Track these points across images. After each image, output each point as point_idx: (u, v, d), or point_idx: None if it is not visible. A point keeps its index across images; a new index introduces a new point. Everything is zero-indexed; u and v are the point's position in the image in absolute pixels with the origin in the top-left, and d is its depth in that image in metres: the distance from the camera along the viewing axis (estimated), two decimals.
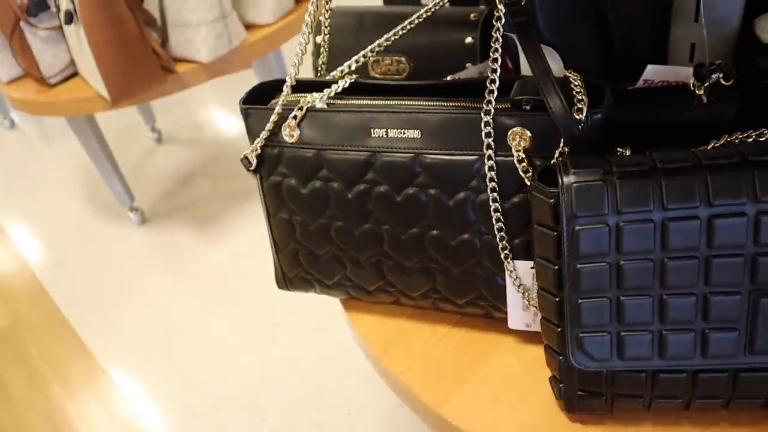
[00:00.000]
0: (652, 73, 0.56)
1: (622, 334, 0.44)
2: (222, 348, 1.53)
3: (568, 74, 0.50)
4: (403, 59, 0.78)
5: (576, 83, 0.49)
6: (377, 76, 0.79)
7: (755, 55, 0.62)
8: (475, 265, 0.54)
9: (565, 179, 0.42)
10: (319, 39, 0.77)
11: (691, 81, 0.56)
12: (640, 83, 0.58)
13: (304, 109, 0.57)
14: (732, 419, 0.49)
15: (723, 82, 0.56)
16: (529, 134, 0.48)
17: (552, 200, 0.43)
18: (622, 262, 0.42)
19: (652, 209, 0.41)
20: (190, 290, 1.71)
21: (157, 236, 1.93)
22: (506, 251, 0.51)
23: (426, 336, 0.61)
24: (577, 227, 0.41)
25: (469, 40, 0.75)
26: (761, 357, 0.44)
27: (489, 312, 0.58)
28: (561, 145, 0.47)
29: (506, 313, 0.56)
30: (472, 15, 0.74)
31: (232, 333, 1.56)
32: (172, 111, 2.52)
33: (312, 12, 0.59)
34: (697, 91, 0.56)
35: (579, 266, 0.42)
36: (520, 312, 0.54)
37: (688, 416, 0.50)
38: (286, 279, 0.66)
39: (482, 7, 0.77)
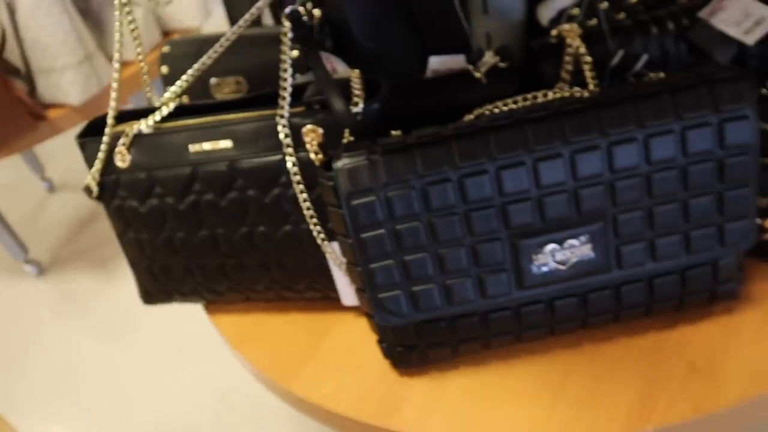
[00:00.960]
0: (435, 63, 0.64)
1: (413, 289, 0.51)
2: (131, 383, 1.53)
3: (351, 74, 0.58)
4: (241, 79, 0.84)
5: (356, 81, 0.56)
6: (220, 97, 0.84)
7: (533, 38, 0.72)
8: (301, 253, 0.61)
9: (338, 163, 0.49)
10: (164, 69, 0.82)
11: (470, 66, 0.65)
12: (429, 74, 0.66)
13: (131, 135, 0.62)
14: (529, 349, 0.58)
15: (501, 64, 0.66)
16: (320, 131, 0.55)
17: (331, 182, 0.50)
18: (397, 227, 0.49)
19: (411, 179, 0.48)
20: (95, 332, 1.70)
21: (58, 284, 1.89)
22: (321, 235, 0.58)
23: (278, 324, 0.67)
24: (353, 202, 0.48)
25: (295, 53, 0.82)
26: (531, 291, 0.52)
27: (327, 294, 0.64)
28: (346, 135, 0.54)
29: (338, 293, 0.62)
30: None
31: (140, 367, 1.57)
32: (60, 158, 2.47)
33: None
34: (476, 75, 0.65)
35: (363, 236, 0.49)
36: (348, 289, 0.61)
37: (493, 354, 0.58)
38: (148, 294, 0.70)
39: None
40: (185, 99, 0.69)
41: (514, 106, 0.56)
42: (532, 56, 0.69)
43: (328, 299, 0.65)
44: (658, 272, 0.53)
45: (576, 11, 0.73)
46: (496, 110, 0.56)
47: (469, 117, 0.55)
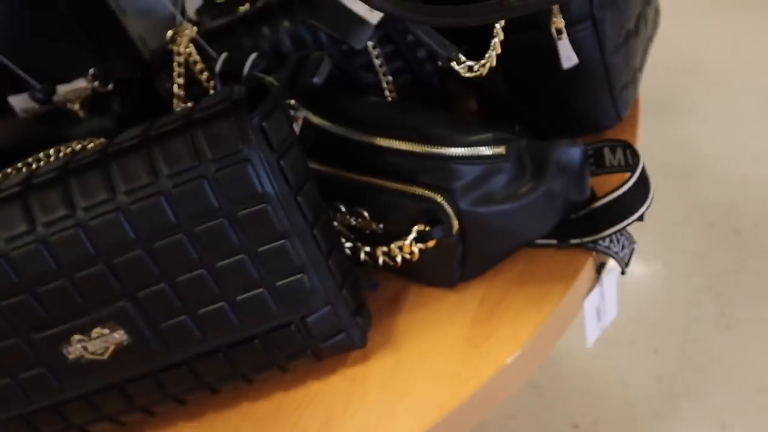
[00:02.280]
0: (17, 102, 0.54)
1: None
2: None
3: None
4: None
5: None
6: None
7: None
8: None
9: None
10: None
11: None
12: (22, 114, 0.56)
13: None
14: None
15: (100, 89, 0.55)
16: None
17: None
18: None
19: None
20: None
21: None
22: None
23: None
24: None
25: None
26: (81, 383, 0.44)
27: None
28: None
29: None
30: None
31: None
32: None
33: None
34: (74, 107, 0.54)
35: None
36: None
37: None
38: None
39: None
40: None
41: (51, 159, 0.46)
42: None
43: None
44: (237, 341, 0.44)
45: None
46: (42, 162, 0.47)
47: None
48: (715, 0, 1.58)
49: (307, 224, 0.41)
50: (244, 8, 0.60)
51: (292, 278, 0.41)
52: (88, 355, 0.43)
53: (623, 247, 0.51)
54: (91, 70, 0.54)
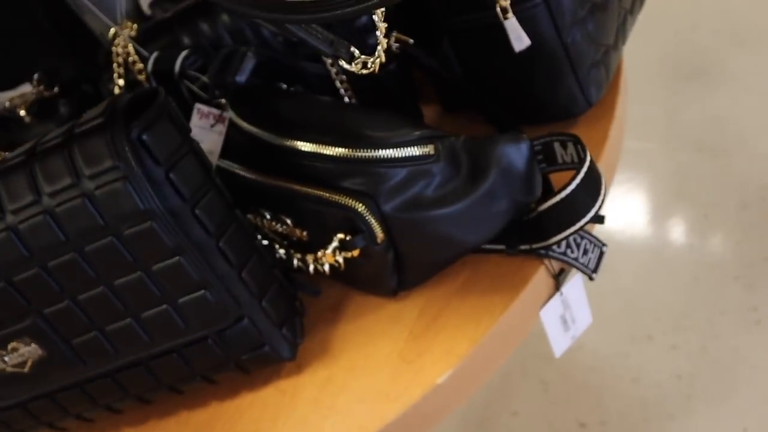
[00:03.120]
0: None
1: None
2: None
3: None
4: None
5: None
6: None
7: None
8: None
9: None
10: None
11: None
12: None
13: None
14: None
15: (46, 93, 0.54)
16: None
17: None
18: None
19: None
20: None
21: None
22: None
23: None
24: None
25: None
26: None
27: None
28: None
29: None
30: None
31: None
32: None
33: None
34: (21, 113, 0.53)
35: None
36: None
37: None
38: None
39: None
40: None
41: None
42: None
43: None
44: (156, 354, 0.43)
45: None
46: None
47: None
48: None
49: (210, 237, 0.38)
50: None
51: (194, 294, 0.39)
52: (9, 369, 0.43)
53: (585, 252, 0.46)
54: (36, 75, 0.52)
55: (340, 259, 0.42)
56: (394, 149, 0.41)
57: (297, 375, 0.46)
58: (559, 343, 0.51)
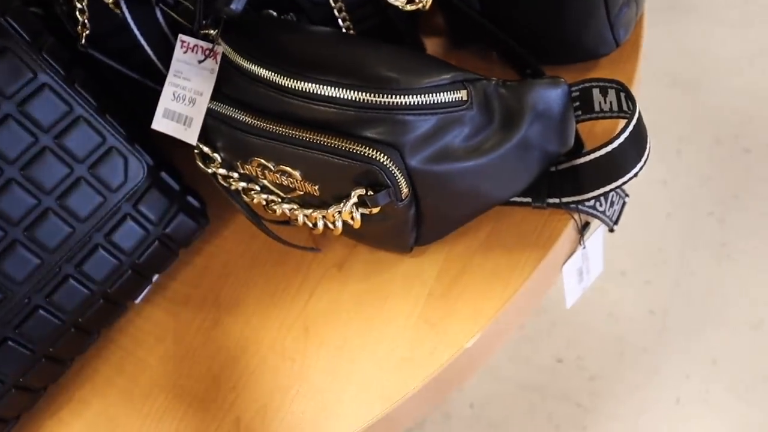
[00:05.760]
0: None
1: None
2: None
3: None
4: None
5: None
6: None
7: None
8: None
9: None
10: None
11: None
12: None
13: None
14: None
15: None
16: None
17: None
18: None
19: None
20: None
21: None
22: None
23: None
24: None
25: None
26: None
27: None
28: None
29: None
30: None
31: None
32: None
33: None
34: None
35: None
36: None
37: None
38: None
39: None
40: None
41: None
42: None
43: None
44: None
45: None
46: None
47: None
48: None
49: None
50: None
51: None
52: None
53: (612, 204, 0.44)
54: None
55: (358, 217, 0.38)
56: (424, 95, 0.36)
57: (305, 341, 0.42)
58: (573, 294, 0.49)
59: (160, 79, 0.47)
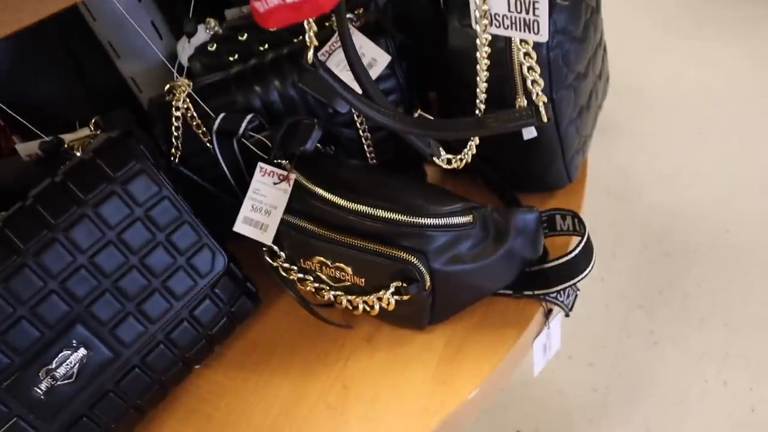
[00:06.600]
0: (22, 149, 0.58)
1: None
2: None
3: None
4: None
5: None
6: None
7: None
8: None
9: None
10: None
11: None
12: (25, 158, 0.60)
13: None
14: None
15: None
16: None
17: None
18: None
19: None
20: None
21: None
22: None
23: None
24: None
25: None
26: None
27: None
28: None
29: None
30: None
31: None
32: None
33: None
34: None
35: None
36: None
37: None
38: None
39: None
40: None
41: None
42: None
43: None
44: (167, 328, 0.54)
45: (214, 47, 0.66)
46: None
47: None
48: (660, 27, 1.69)
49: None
50: (233, 59, 0.64)
51: (202, 253, 0.54)
52: (58, 383, 0.48)
53: (568, 296, 0.60)
54: (94, 119, 0.57)
55: (393, 301, 0.52)
56: (444, 218, 0.51)
57: (344, 395, 0.55)
58: (538, 364, 0.64)
59: (231, 191, 0.61)
